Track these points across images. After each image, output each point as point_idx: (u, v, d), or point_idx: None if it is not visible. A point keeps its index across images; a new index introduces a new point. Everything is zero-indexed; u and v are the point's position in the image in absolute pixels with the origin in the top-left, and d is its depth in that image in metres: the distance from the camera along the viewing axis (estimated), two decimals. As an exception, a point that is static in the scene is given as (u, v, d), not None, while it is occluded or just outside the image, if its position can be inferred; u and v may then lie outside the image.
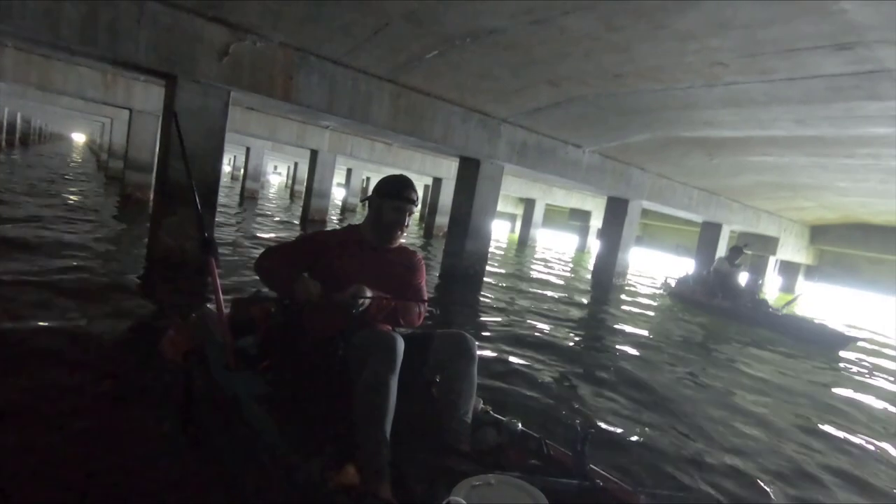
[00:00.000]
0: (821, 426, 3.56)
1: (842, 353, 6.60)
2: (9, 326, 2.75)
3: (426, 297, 2.05)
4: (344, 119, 5.43)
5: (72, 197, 8.86)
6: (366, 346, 1.66)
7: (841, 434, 3.46)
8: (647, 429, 2.86)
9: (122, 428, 1.96)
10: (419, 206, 1.96)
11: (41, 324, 2.90)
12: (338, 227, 2.22)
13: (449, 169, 13.56)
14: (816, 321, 7.93)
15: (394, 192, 1.93)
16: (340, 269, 1.89)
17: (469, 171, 6.90)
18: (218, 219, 8.52)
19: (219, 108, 4.61)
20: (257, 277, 1.96)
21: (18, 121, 23.84)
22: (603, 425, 2.76)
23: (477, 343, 1.89)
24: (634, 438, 2.69)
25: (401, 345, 1.65)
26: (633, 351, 4.86)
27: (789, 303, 8.51)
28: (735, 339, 6.59)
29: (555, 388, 3.31)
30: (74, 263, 4.36)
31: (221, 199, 13.37)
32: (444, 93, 5.76)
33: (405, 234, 2.01)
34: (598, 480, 1.55)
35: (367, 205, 2.01)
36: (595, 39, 3.95)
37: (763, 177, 8.55)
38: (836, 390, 4.78)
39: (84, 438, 1.87)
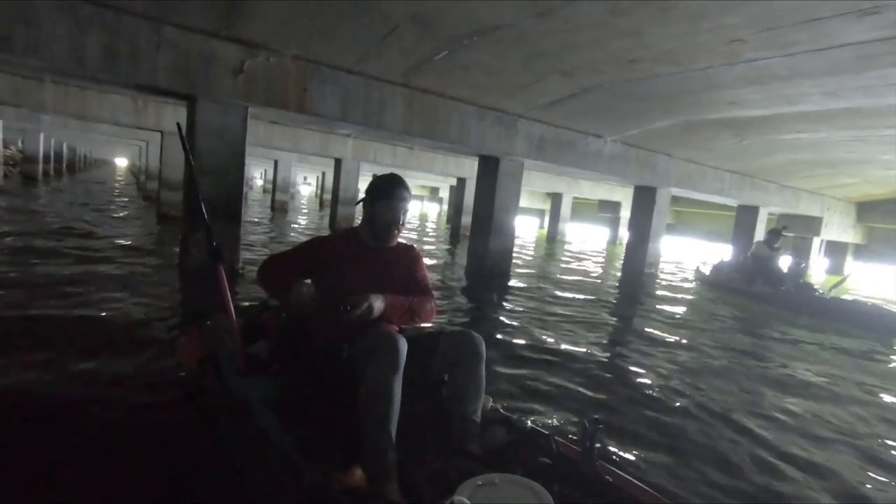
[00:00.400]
0: (874, 429, 3.27)
1: None
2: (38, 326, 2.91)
3: (432, 290, 2.07)
4: (359, 126, 5.51)
5: (111, 217, 9.30)
6: (369, 347, 1.67)
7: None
8: (670, 427, 2.75)
9: (139, 430, 2.07)
10: (410, 202, 1.96)
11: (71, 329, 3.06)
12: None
13: (472, 169, 13.46)
14: (869, 303, 7.34)
15: (384, 193, 1.93)
16: (341, 272, 1.91)
17: (488, 170, 6.87)
18: (254, 236, 8.76)
19: (237, 125, 4.76)
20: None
21: (65, 150, 25.25)
22: (620, 423, 2.67)
23: (486, 342, 1.87)
24: (653, 436, 2.59)
25: (403, 345, 1.66)
26: (661, 345, 4.69)
27: (837, 285, 7.88)
28: (777, 328, 6.25)
29: (575, 385, 3.25)
30: (112, 279, 4.58)
31: (253, 213, 13.81)
32: (457, 93, 5.76)
33: (401, 232, 2.01)
34: (608, 476, 1.52)
35: (363, 202, 2.00)
36: (603, 26, 3.87)
37: (798, 155, 8.16)
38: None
39: (103, 440, 1.98)
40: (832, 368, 4.66)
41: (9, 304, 3.58)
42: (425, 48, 4.64)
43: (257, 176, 37.26)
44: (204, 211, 2.20)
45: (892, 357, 5.51)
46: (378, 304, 1.78)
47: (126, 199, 13.81)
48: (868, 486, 2.41)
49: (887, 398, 3.94)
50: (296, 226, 12.40)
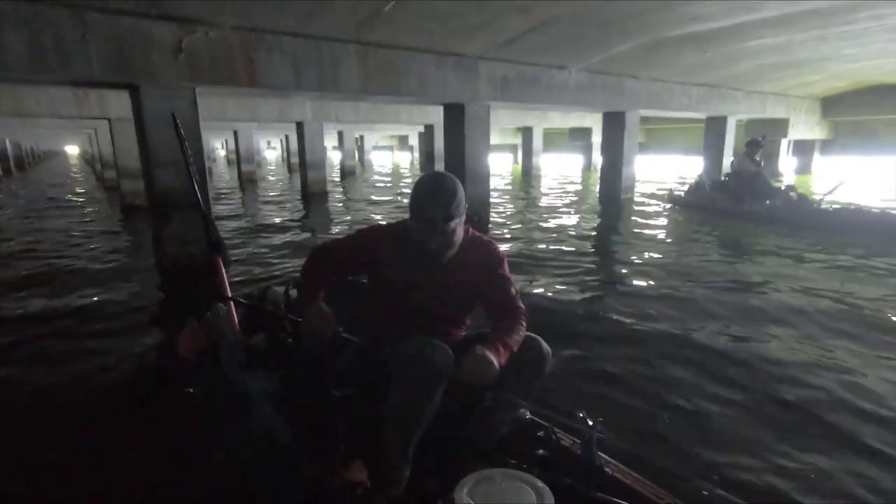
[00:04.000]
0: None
1: None
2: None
3: (520, 302, 1.67)
4: (314, 92, 5.28)
5: (76, 212, 8.97)
6: (406, 360, 1.46)
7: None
8: (669, 409, 2.42)
9: (138, 424, 2.12)
10: (459, 211, 1.52)
11: (60, 334, 3.04)
12: (390, 221, 1.81)
13: (438, 114, 13.03)
14: (881, 211, 6.60)
15: (416, 212, 1.54)
16: (396, 279, 1.65)
17: (454, 118, 6.70)
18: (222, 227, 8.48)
19: (188, 109, 4.50)
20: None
21: (8, 147, 23.80)
22: (616, 407, 2.41)
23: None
24: (652, 423, 2.31)
25: (446, 369, 1.45)
26: (656, 291, 4.27)
27: (830, 192, 6.88)
28: (782, 250, 5.58)
29: (565, 361, 2.82)
30: (88, 279, 4.49)
31: (220, 189, 13.38)
32: (413, 42, 5.50)
33: (455, 247, 1.63)
34: (608, 469, 1.49)
35: None
36: (554, -43, 3.68)
37: (764, 60, 8.07)
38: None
39: (102, 432, 2.04)
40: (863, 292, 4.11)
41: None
42: (372, 0, 4.37)
43: (219, 146, 35.80)
44: (201, 201, 2.16)
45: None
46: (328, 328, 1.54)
47: (87, 192, 13.25)
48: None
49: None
50: (269, 201, 12.08)
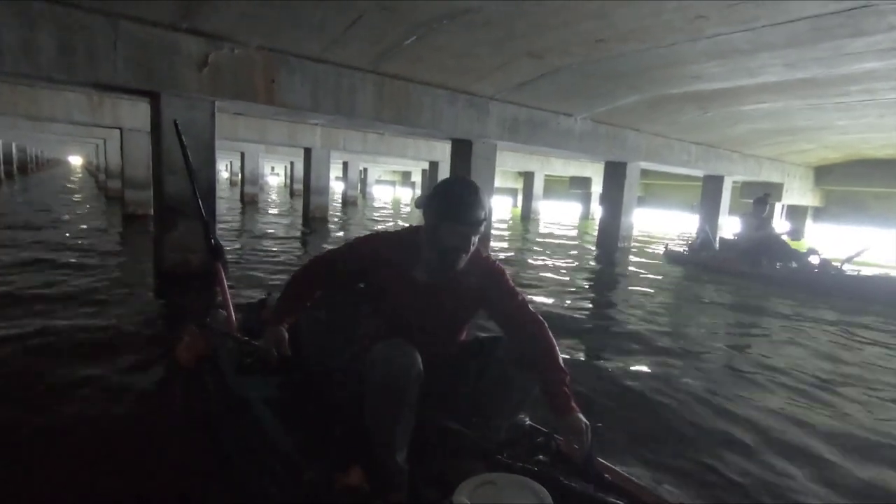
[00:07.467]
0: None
1: None
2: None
3: (527, 307, 1.63)
4: (330, 115, 5.43)
5: (76, 220, 8.96)
6: (370, 366, 1.47)
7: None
8: (668, 423, 2.53)
9: (137, 432, 2.09)
10: (488, 221, 1.56)
11: (58, 340, 2.99)
12: (384, 230, 1.81)
13: (444, 152, 13.48)
14: None
15: (453, 215, 1.48)
16: (394, 288, 1.64)
17: (462, 153, 6.87)
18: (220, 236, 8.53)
19: (205, 120, 4.63)
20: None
21: (14, 151, 23.99)
22: (617, 419, 2.46)
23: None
24: (650, 433, 2.40)
25: (406, 372, 1.44)
26: (653, 331, 4.42)
27: (850, 258, 6.45)
28: (799, 312, 5.31)
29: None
30: (87, 286, 4.46)
31: (221, 207, 13.47)
32: (428, 77, 5.72)
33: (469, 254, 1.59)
34: (607, 475, 1.51)
35: (422, 212, 1.62)
36: (571, 8, 3.90)
37: (760, 124, 8.42)
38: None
39: (101, 443, 1.99)
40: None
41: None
42: (394, 34, 4.58)
43: (222, 168, 36.23)
44: (201, 207, 2.19)
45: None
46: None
47: (89, 201, 13.27)
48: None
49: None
50: (270, 219, 12.17)
